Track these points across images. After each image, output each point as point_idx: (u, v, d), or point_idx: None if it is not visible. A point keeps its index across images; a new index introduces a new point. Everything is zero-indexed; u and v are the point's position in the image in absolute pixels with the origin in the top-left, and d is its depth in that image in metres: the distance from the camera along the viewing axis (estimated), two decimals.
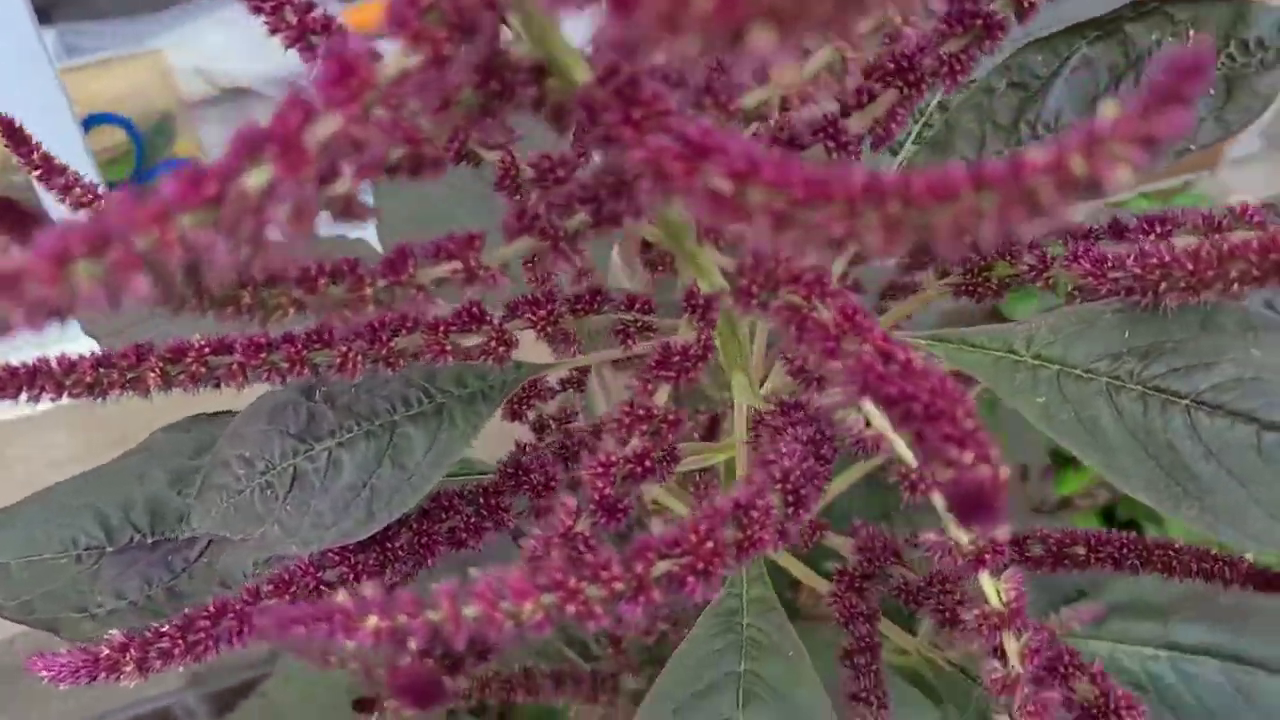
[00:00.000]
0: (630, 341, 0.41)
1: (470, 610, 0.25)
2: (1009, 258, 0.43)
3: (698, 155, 0.22)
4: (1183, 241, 0.38)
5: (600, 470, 0.33)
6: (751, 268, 0.31)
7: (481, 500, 0.44)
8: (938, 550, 0.35)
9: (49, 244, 0.18)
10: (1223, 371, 0.35)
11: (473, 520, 0.43)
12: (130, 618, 0.50)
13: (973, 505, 0.21)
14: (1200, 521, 0.34)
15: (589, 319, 0.41)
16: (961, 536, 0.35)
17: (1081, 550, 0.47)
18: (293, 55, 0.36)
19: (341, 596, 0.25)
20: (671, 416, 0.34)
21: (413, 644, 0.25)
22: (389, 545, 0.41)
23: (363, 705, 0.61)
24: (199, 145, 1.31)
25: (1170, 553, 0.43)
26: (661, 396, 0.36)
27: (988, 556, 0.35)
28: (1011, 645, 0.35)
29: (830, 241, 0.20)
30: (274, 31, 0.36)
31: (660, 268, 0.45)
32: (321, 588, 0.40)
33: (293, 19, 0.35)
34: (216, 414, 0.55)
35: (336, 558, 0.41)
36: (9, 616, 0.50)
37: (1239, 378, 0.35)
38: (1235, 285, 0.32)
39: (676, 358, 0.35)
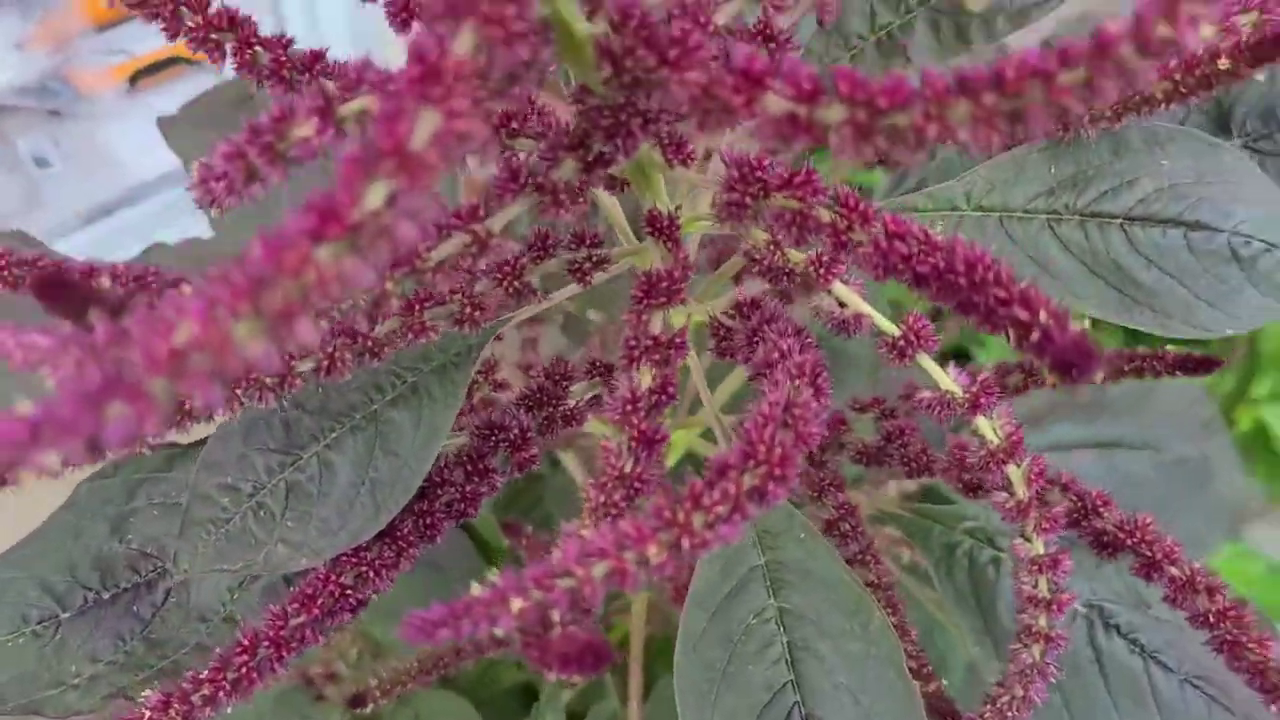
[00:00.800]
0: (587, 278, 0.41)
1: (600, 568, 0.26)
2: None
3: (754, 84, 0.23)
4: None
5: (630, 407, 0.34)
6: (739, 180, 0.32)
7: (468, 466, 0.43)
8: (935, 405, 0.38)
9: (201, 309, 0.17)
10: (1143, 187, 0.39)
11: (466, 489, 0.43)
12: (115, 677, 0.48)
13: (1071, 358, 0.23)
14: (1156, 324, 0.38)
15: (544, 265, 0.41)
16: (955, 388, 0.38)
17: (1018, 378, 0.50)
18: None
19: (475, 589, 0.25)
20: (678, 340, 0.35)
21: (556, 615, 0.25)
22: (397, 533, 0.41)
23: (356, 701, 0.60)
24: None
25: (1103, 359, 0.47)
26: (656, 325, 0.36)
27: (982, 400, 0.37)
28: (1015, 474, 0.38)
29: (919, 143, 0.21)
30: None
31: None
32: (346, 593, 0.39)
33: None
34: (140, 453, 0.52)
35: (352, 559, 0.40)
36: None
37: (1159, 188, 0.39)
38: (1162, 104, 0.35)
39: (663, 283, 0.36)
